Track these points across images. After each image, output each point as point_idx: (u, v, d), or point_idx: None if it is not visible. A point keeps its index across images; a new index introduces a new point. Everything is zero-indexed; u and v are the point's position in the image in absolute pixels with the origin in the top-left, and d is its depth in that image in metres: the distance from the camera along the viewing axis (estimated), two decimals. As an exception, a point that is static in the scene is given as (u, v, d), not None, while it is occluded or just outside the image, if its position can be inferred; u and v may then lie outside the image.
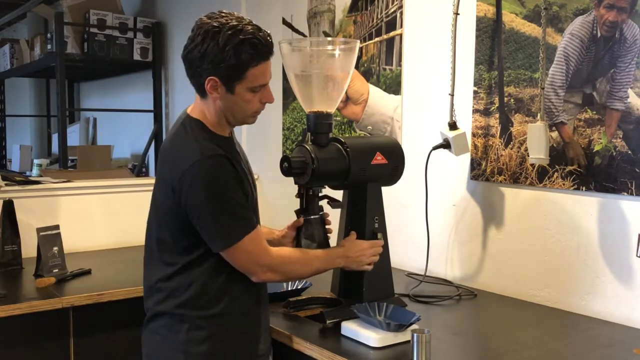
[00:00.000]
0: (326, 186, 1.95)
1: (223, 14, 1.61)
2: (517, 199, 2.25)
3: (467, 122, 2.38)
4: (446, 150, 2.33)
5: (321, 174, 1.86)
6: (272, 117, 3.42)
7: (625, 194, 1.93)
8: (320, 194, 1.93)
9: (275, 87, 3.36)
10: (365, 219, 1.97)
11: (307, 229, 1.89)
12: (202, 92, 1.65)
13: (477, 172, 2.36)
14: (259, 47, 1.58)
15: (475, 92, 2.36)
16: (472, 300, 2.21)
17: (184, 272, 1.65)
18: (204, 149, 1.59)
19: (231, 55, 1.56)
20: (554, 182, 2.12)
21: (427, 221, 2.39)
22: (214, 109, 1.66)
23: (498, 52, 2.28)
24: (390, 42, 2.72)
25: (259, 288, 1.75)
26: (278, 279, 1.75)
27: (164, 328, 1.68)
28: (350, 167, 1.92)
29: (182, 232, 1.64)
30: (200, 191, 1.57)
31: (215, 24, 1.57)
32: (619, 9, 1.93)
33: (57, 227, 2.55)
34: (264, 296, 1.80)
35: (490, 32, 2.30)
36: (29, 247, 2.61)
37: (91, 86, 6.35)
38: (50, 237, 2.50)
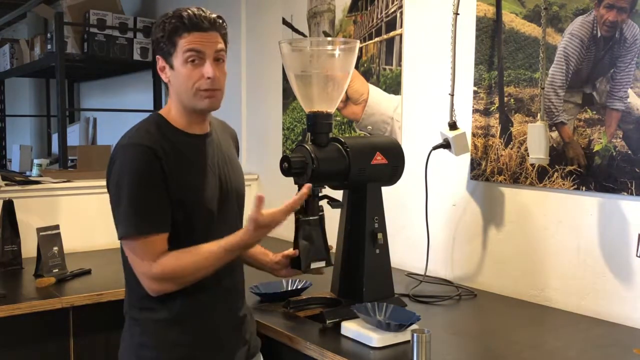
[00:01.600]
0: (326, 186, 1.95)
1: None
2: (517, 199, 2.25)
3: (467, 122, 2.38)
4: (446, 150, 2.33)
5: (321, 174, 1.86)
6: (272, 117, 3.42)
7: (625, 194, 1.93)
8: (320, 194, 1.92)
9: (275, 87, 3.37)
10: (365, 219, 1.97)
11: (305, 229, 1.88)
12: (164, 82, 1.71)
13: (477, 172, 2.36)
14: (185, 18, 1.59)
15: (475, 92, 2.36)
16: (472, 300, 2.21)
17: (132, 273, 1.62)
18: (133, 137, 1.61)
19: (160, 29, 1.62)
20: (554, 182, 2.12)
21: (427, 221, 2.39)
22: (174, 98, 1.68)
23: (498, 52, 2.28)
24: (390, 42, 2.72)
25: (216, 293, 1.66)
26: (170, 289, 1.59)
27: (126, 331, 1.69)
28: (350, 167, 1.92)
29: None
30: (112, 173, 1.59)
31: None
32: (619, 8, 1.93)
33: (57, 227, 2.55)
34: (226, 302, 1.70)
35: (490, 32, 2.30)
36: (29, 247, 2.61)
37: (91, 86, 6.35)
38: (50, 237, 2.50)
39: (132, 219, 1.56)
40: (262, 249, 1.94)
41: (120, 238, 1.59)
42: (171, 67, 1.63)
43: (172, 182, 1.58)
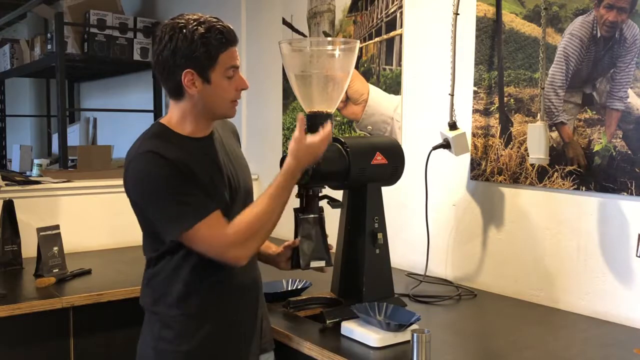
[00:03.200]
0: (326, 186, 1.95)
1: (184, 14, 1.66)
2: (517, 199, 2.25)
3: (467, 122, 2.38)
4: (446, 150, 2.33)
5: (321, 174, 1.86)
6: (272, 117, 3.42)
7: (625, 194, 1.93)
8: (320, 194, 1.92)
9: (275, 87, 3.37)
10: (365, 219, 1.97)
11: (305, 228, 1.88)
12: (177, 92, 1.66)
13: (477, 172, 2.36)
14: (225, 33, 1.62)
15: (475, 92, 2.36)
16: (472, 300, 2.21)
17: (154, 269, 1.69)
18: (142, 146, 1.62)
19: (200, 44, 1.60)
20: (554, 182, 2.12)
21: (427, 221, 2.39)
22: (186, 107, 1.66)
23: (498, 52, 2.28)
24: (390, 42, 2.72)
25: (234, 289, 1.70)
26: (253, 250, 1.65)
27: (146, 325, 1.73)
28: (350, 167, 1.92)
29: (143, 228, 1.69)
30: (139, 187, 1.61)
31: (179, 21, 1.63)
32: (619, 9, 1.93)
33: (57, 227, 2.55)
34: (245, 297, 1.75)
35: (490, 32, 2.30)
36: (29, 247, 2.61)
37: (91, 86, 6.35)
38: (50, 237, 2.50)
39: (184, 211, 1.58)
40: (266, 242, 1.94)
41: (178, 237, 1.59)
42: (206, 80, 1.62)
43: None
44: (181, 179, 1.58)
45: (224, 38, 1.62)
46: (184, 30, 1.59)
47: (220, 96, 1.65)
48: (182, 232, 1.58)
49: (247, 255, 1.64)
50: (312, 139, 1.70)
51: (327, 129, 1.74)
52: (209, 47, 1.59)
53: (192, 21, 1.61)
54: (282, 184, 1.69)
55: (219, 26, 1.62)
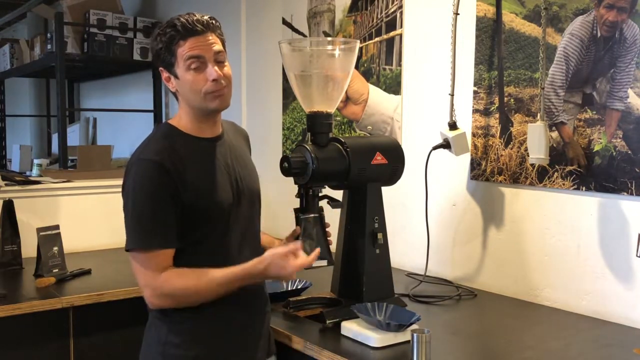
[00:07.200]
0: (326, 186, 1.95)
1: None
2: (517, 199, 2.25)
3: (467, 122, 2.38)
4: (446, 150, 2.33)
5: (321, 174, 1.86)
6: (272, 117, 3.42)
7: (625, 194, 1.93)
8: (320, 194, 1.92)
9: (275, 87, 3.37)
10: (365, 219, 1.97)
11: (306, 228, 1.88)
12: (170, 91, 1.72)
13: (477, 172, 2.36)
14: (178, 26, 1.62)
15: (475, 92, 2.36)
16: (472, 300, 2.21)
17: None
18: (145, 151, 1.63)
19: (159, 41, 1.64)
20: (554, 182, 2.12)
21: (427, 221, 2.39)
22: (183, 106, 1.70)
23: (498, 52, 2.28)
24: (390, 42, 2.72)
25: (242, 294, 1.67)
26: (166, 306, 1.64)
27: (150, 328, 1.71)
28: (350, 167, 1.92)
29: None
30: (125, 187, 1.64)
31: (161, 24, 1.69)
32: (619, 9, 1.93)
33: (57, 227, 2.55)
34: (253, 302, 1.75)
35: (490, 32, 2.30)
36: (29, 247, 2.61)
37: (91, 86, 6.35)
38: (50, 237, 2.50)
39: (137, 233, 1.60)
40: (268, 238, 1.95)
41: (126, 250, 1.63)
42: (175, 76, 1.65)
43: (186, 190, 1.61)
44: (161, 200, 1.59)
45: (176, 31, 1.61)
46: (154, 31, 1.67)
47: (190, 90, 1.65)
48: (128, 248, 1.61)
49: (159, 306, 1.64)
50: (293, 264, 1.63)
51: (306, 260, 1.66)
52: (165, 42, 1.63)
53: (164, 22, 1.65)
54: (238, 278, 1.61)
55: (174, 22, 1.62)
